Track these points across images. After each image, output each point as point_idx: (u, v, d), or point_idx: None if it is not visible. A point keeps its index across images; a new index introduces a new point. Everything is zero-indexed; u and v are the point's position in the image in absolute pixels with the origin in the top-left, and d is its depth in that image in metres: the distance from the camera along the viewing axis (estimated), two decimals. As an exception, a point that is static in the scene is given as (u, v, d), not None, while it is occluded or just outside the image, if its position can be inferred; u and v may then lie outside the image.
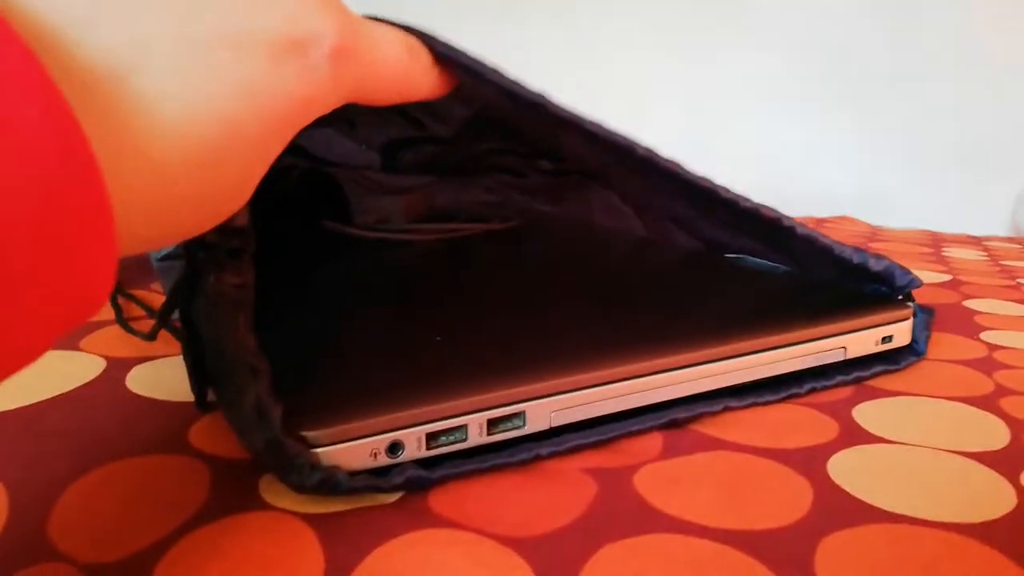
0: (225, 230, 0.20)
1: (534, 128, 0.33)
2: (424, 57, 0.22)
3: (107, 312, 0.37)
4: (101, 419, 0.26)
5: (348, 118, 0.38)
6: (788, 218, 0.30)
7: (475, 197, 0.52)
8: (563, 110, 0.25)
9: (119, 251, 0.14)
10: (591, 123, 0.25)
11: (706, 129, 1.08)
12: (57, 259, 0.12)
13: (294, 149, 0.44)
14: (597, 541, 0.19)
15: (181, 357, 0.31)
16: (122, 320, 0.34)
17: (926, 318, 0.33)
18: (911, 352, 0.31)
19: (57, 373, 0.29)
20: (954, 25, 0.95)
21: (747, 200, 0.29)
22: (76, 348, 0.32)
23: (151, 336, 0.30)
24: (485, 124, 0.38)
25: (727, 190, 0.29)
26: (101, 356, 0.31)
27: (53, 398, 0.27)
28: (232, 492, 0.22)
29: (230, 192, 0.17)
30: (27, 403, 0.27)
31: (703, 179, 0.28)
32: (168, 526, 0.20)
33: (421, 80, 0.22)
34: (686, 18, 1.06)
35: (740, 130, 1.06)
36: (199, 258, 0.21)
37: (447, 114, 0.38)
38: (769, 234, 0.33)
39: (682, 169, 0.28)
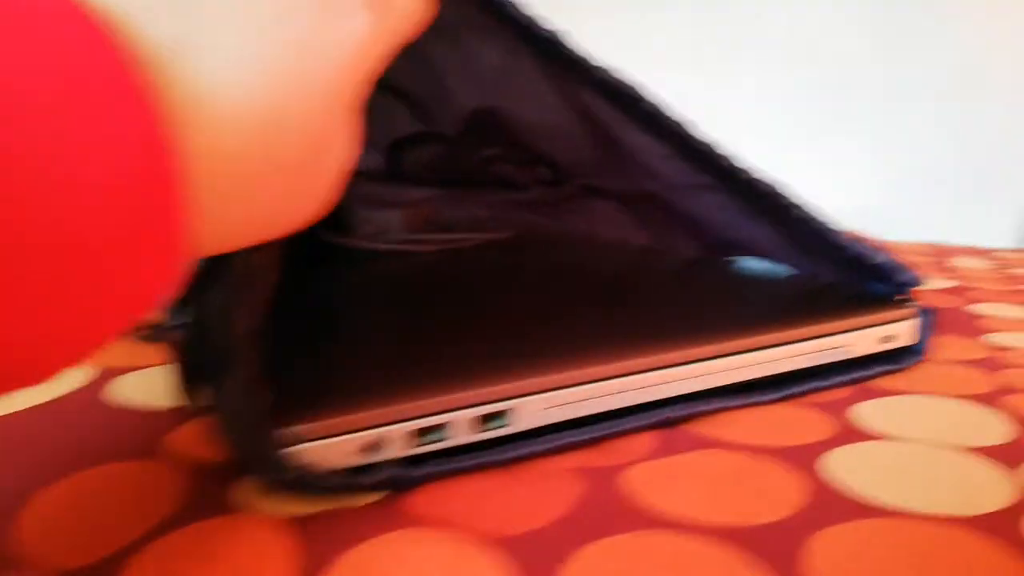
0: None
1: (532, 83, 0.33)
2: None
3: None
4: (79, 427, 0.25)
5: None
6: (788, 195, 0.29)
7: (473, 213, 0.51)
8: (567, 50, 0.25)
9: (190, 243, 0.13)
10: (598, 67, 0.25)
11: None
12: (133, 245, 0.12)
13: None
14: (580, 539, 0.18)
15: (167, 366, 0.30)
16: None
17: (928, 319, 0.32)
18: (913, 352, 0.31)
19: (42, 383, 0.29)
20: (958, 39, 0.95)
21: (745, 170, 0.29)
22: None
23: (149, 337, 0.30)
24: (487, 122, 0.37)
25: (727, 158, 0.29)
26: (89, 365, 0.31)
27: (35, 407, 0.27)
28: (206, 496, 0.21)
29: (313, 172, 0.16)
30: (4, 413, 0.26)
31: (704, 142, 0.28)
32: (137, 531, 0.20)
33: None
34: (688, 39, 1.07)
35: (743, 148, 1.06)
36: None
37: (451, 104, 0.38)
38: (767, 211, 0.32)
39: (685, 127, 0.27)
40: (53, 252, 0.11)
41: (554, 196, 0.49)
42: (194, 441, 0.24)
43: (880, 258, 0.30)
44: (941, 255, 0.65)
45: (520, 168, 0.46)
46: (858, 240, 0.30)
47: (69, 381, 0.29)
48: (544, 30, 0.25)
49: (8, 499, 0.21)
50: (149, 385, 0.29)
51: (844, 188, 1.02)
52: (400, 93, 0.38)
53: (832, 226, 0.30)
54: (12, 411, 0.26)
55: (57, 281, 0.11)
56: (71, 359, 0.12)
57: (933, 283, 0.48)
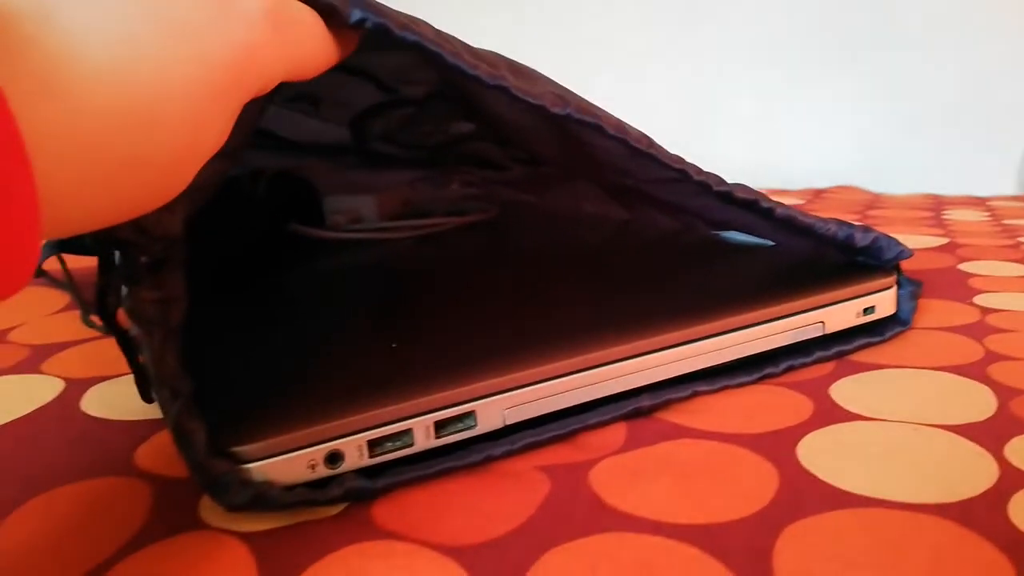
0: (148, 233, 0.19)
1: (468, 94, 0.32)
2: (319, 21, 0.21)
3: (69, 333, 0.36)
4: (52, 443, 0.25)
5: (311, 95, 0.36)
6: (766, 199, 0.28)
7: (454, 192, 0.50)
8: (480, 69, 0.23)
9: (41, 221, 0.12)
10: (517, 87, 0.24)
11: (702, 102, 1.06)
12: None
13: (263, 134, 0.43)
14: (543, 545, 0.18)
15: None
16: (86, 315, 0.34)
17: (912, 286, 0.31)
18: (896, 322, 0.30)
19: (15, 397, 0.29)
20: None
21: (721, 182, 0.27)
22: (36, 371, 0.31)
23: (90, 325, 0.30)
24: (454, 98, 0.36)
25: (699, 170, 0.27)
26: (60, 377, 0.30)
27: (7, 424, 0.27)
28: (172, 513, 0.21)
29: (176, 155, 0.15)
30: (-21, 431, 0.26)
31: (675, 158, 0.27)
32: (104, 552, 0.19)
33: (331, 43, 0.21)
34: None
35: (737, 102, 1.04)
36: (115, 262, 0.19)
37: (416, 77, 0.36)
38: (749, 214, 0.31)
39: (655, 151, 0.26)
40: None
41: (536, 175, 0.48)
42: (162, 455, 0.24)
43: (869, 238, 0.29)
44: (938, 207, 0.64)
45: (498, 147, 0.45)
46: (845, 224, 0.29)
47: (42, 394, 0.29)
48: (491, 80, 0.23)
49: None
50: (119, 395, 0.28)
51: (837, 141, 1.00)
52: (363, 73, 0.36)
53: (816, 220, 0.28)
54: (-16, 430, 0.26)
55: None
56: None
57: (925, 241, 0.47)
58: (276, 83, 0.19)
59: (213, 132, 0.16)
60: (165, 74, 0.14)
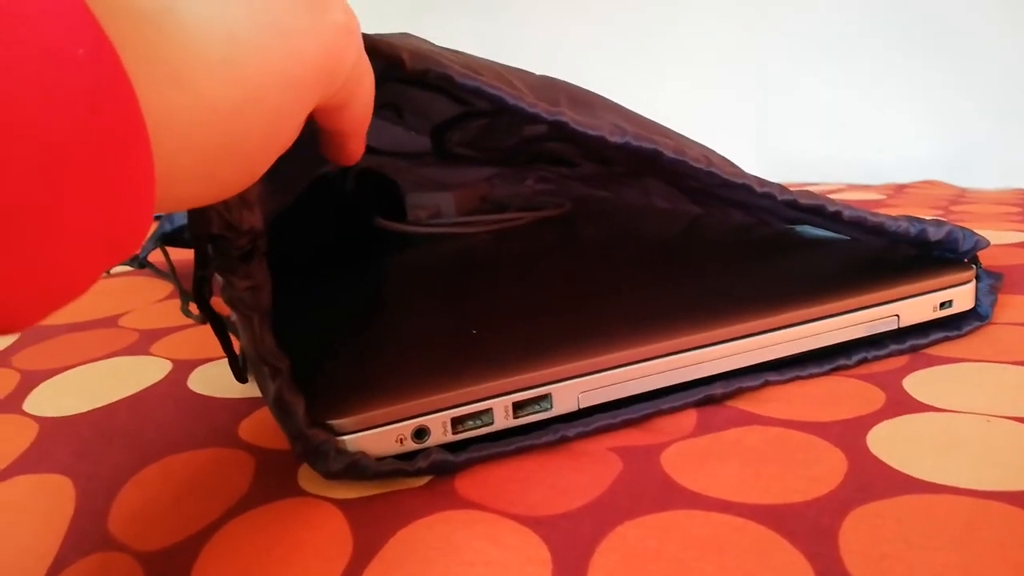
0: (236, 228, 0.21)
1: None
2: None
3: (174, 319, 0.39)
4: (162, 417, 0.27)
5: (394, 105, 0.38)
6: (831, 202, 0.28)
7: (529, 188, 0.52)
8: (530, 108, 0.25)
9: (156, 193, 0.13)
10: (566, 120, 0.26)
11: (778, 96, 1.04)
12: (88, 188, 0.12)
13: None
14: (616, 519, 0.19)
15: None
16: (185, 304, 0.37)
17: (992, 280, 0.31)
18: (974, 317, 0.30)
19: (128, 376, 0.31)
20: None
21: (784, 191, 0.28)
22: (147, 353, 0.34)
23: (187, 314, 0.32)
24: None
25: (761, 182, 0.28)
26: (168, 359, 0.33)
27: (122, 399, 0.29)
28: (273, 480, 0.23)
29: (263, 144, 0.17)
30: (99, 405, 0.29)
31: (736, 172, 0.27)
32: (212, 514, 0.21)
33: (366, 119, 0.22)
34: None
35: (817, 91, 1.01)
36: (209, 255, 0.21)
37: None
38: (816, 219, 0.31)
39: (715, 168, 0.27)
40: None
41: (608, 173, 0.49)
42: (262, 429, 0.26)
43: (942, 232, 0.29)
44: (1028, 203, 0.62)
45: (571, 146, 0.46)
46: (916, 220, 0.29)
47: (153, 374, 0.31)
48: (550, 116, 0.25)
49: (103, 486, 0.23)
50: (222, 376, 0.31)
51: (922, 133, 0.97)
52: (438, 88, 0.38)
53: (886, 219, 0.28)
54: (108, 402, 0.29)
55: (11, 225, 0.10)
56: (50, 302, 0.12)
57: (1010, 236, 0.46)
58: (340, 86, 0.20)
59: (294, 125, 0.18)
60: (266, 68, 0.16)
